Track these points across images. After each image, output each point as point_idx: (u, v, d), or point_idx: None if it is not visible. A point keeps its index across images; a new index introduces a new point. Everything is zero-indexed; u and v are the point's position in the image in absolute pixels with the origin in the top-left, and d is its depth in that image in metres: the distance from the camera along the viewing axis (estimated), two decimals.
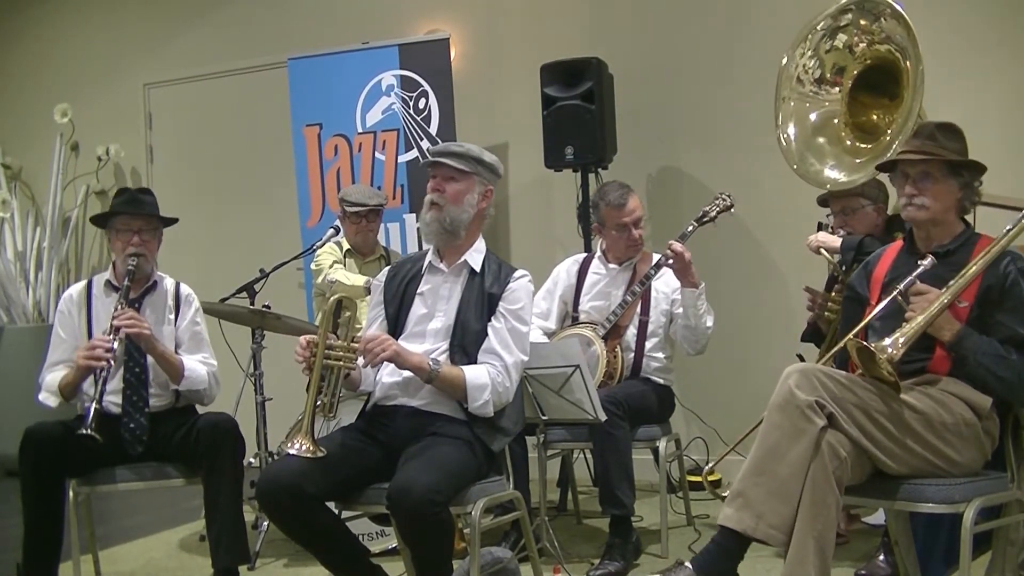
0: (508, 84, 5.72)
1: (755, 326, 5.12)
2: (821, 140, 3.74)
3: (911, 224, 2.94)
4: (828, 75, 3.71)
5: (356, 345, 2.98)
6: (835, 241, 3.67)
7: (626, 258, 4.25)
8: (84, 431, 3.24)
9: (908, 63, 3.42)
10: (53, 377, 3.58)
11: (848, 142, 3.71)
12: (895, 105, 3.56)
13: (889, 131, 3.54)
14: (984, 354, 2.66)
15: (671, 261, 3.93)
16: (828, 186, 3.71)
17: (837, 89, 3.71)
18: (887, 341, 2.60)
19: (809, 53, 3.70)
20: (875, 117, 3.72)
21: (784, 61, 3.75)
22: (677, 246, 3.93)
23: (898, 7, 3.42)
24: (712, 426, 5.05)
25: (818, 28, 3.67)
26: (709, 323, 4.04)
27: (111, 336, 3.43)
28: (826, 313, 3.58)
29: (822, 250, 3.71)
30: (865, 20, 3.57)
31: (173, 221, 3.81)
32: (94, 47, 6.99)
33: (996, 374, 2.65)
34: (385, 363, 3.14)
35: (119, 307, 3.53)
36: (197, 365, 3.69)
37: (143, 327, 3.50)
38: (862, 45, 3.60)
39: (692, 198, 5.04)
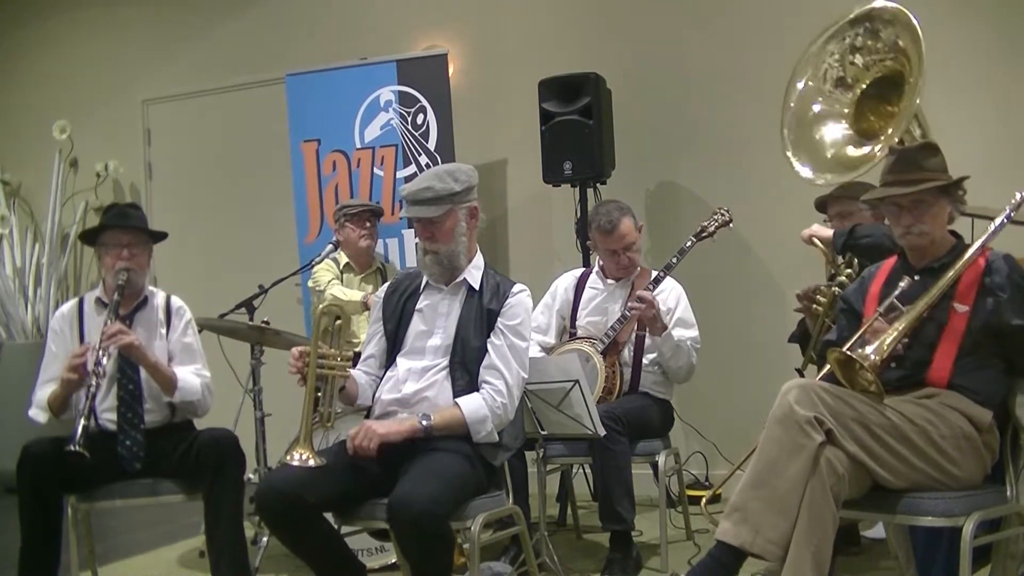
0: (506, 99, 5.73)
1: (753, 341, 5.12)
2: (817, 135, 3.76)
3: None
4: (848, 80, 3.73)
5: (349, 354, 2.99)
6: (827, 231, 3.67)
7: (621, 277, 4.26)
8: (71, 448, 3.22)
9: (910, 65, 3.46)
10: (43, 393, 3.57)
11: (844, 149, 3.75)
12: (892, 113, 3.60)
13: (883, 137, 3.58)
14: None
15: (638, 309, 3.92)
16: (818, 182, 3.74)
17: (850, 95, 3.74)
18: (869, 348, 2.63)
19: (837, 56, 3.72)
20: (876, 125, 3.75)
21: (810, 46, 3.76)
22: (645, 294, 3.94)
23: (913, 20, 3.46)
24: (711, 441, 5.05)
25: (845, 39, 3.71)
26: (682, 362, 4.06)
27: (99, 351, 3.41)
28: (814, 306, 3.57)
29: (815, 239, 3.70)
30: (871, 40, 3.62)
31: (163, 236, 3.80)
32: (93, 64, 7.00)
33: None
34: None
35: (108, 323, 3.50)
36: (190, 376, 3.67)
37: (130, 338, 3.48)
38: (874, 56, 3.64)
39: (690, 213, 5.04)
